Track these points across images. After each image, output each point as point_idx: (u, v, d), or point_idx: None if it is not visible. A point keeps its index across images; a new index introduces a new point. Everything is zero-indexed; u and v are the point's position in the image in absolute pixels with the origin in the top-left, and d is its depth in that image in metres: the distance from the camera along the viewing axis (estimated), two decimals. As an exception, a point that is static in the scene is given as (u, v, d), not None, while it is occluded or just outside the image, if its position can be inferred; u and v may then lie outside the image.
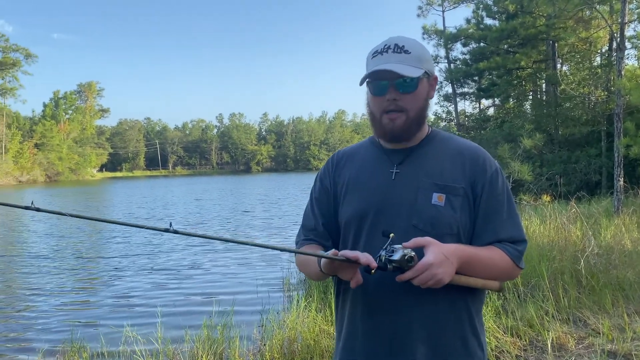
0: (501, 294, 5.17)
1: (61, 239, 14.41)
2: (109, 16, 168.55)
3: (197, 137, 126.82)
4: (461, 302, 1.47)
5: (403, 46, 1.45)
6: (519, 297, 5.17)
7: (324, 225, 1.62)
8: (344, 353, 1.54)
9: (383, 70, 1.42)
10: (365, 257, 1.31)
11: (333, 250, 1.37)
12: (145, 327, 5.38)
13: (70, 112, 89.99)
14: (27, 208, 1.26)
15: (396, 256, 1.31)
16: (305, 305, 4.95)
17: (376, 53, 1.48)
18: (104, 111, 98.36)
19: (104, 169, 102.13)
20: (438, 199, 1.45)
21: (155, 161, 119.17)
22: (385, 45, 1.47)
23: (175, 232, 1.26)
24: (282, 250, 1.48)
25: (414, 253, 1.32)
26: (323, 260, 1.41)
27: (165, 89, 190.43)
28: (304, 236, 1.65)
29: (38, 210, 1.28)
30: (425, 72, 1.47)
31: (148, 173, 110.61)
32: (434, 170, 1.49)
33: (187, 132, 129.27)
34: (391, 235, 1.35)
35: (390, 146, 1.56)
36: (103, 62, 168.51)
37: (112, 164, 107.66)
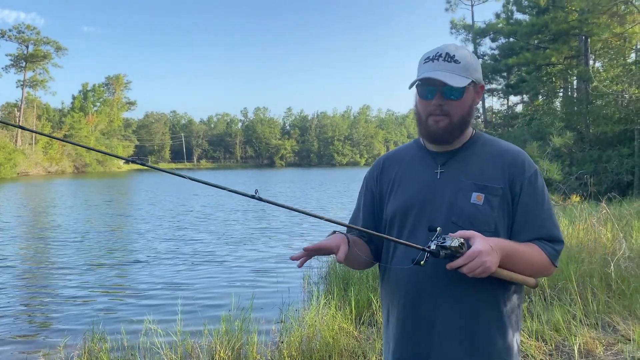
0: (528, 296, 5.03)
1: (89, 229, 14.68)
2: (138, 9, 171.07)
3: (221, 131, 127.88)
4: (501, 297, 1.56)
5: (454, 55, 1.55)
6: (545, 300, 5.03)
7: (365, 224, 1.74)
8: (394, 342, 1.66)
9: (431, 79, 1.53)
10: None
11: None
12: (165, 320, 5.39)
13: (98, 104, 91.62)
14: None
15: (448, 242, 1.39)
16: (325, 302, 4.90)
17: (428, 59, 1.57)
18: (131, 104, 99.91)
19: (129, 162, 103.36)
20: (477, 198, 1.55)
21: (181, 154, 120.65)
22: (438, 53, 1.57)
23: (260, 199, 1.45)
24: (347, 226, 1.57)
25: (463, 240, 1.40)
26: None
27: (192, 82, 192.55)
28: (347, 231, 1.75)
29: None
30: (473, 81, 1.57)
31: (173, 166, 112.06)
32: (474, 171, 1.59)
33: (212, 125, 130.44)
34: (438, 228, 1.44)
35: (435, 148, 1.66)
36: (131, 55, 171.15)
37: (138, 156, 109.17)
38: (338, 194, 29.69)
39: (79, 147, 76.01)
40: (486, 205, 1.54)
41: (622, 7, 16.78)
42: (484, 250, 1.39)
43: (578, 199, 9.82)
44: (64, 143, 74.71)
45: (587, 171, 15.79)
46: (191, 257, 10.43)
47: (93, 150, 1.74)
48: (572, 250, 6.03)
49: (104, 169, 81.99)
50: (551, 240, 1.57)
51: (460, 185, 1.58)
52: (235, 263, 9.79)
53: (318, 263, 7.94)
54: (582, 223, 7.20)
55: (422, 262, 1.39)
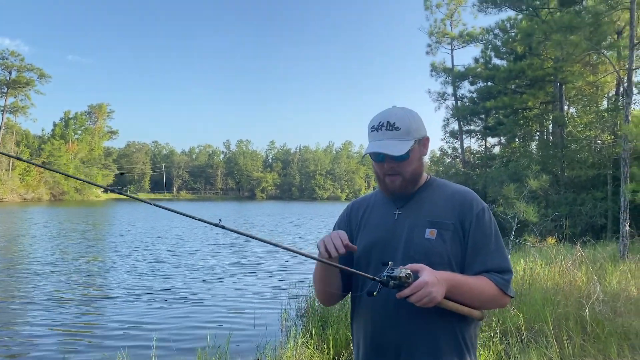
0: (505, 338, 5.06)
1: (58, 260, 14.34)
2: (124, 40, 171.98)
3: (203, 162, 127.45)
4: (462, 326, 1.70)
5: (394, 123, 1.73)
6: (521, 341, 5.06)
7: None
8: None
9: (377, 153, 1.73)
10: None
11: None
12: (139, 357, 5.26)
13: (79, 132, 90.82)
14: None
15: (396, 272, 1.52)
16: (303, 341, 4.86)
17: (373, 129, 1.76)
18: (112, 133, 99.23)
19: (108, 191, 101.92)
20: (430, 233, 1.72)
21: (160, 184, 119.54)
22: (380, 122, 1.75)
23: (224, 227, 1.54)
24: (313, 258, 1.73)
25: (410, 271, 1.53)
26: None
27: (175, 113, 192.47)
28: None
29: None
30: (415, 141, 1.76)
31: (152, 196, 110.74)
32: (428, 211, 1.77)
33: (194, 156, 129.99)
34: (390, 262, 1.57)
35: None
36: (115, 85, 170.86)
37: (118, 185, 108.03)
38: (319, 229, 29.66)
39: (56, 175, 74.94)
40: (439, 240, 1.70)
41: (595, 57, 17.51)
42: (430, 281, 1.53)
43: (553, 240, 10.01)
44: (42, 170, 73.64)
45: (562, 213, 16.14)
46: (165, 293, 10.11)
47: (70, 177, 1.79)
48: (548, 292, 6.11)
49: (82, 197, 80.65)
50: (500, 271, 1.70)
51: (415, 222, 1.75)
52: (212, 300, 9.55)
53: (296, 300, 7.89)
54: (557, 265, 7.32)
55: (375, 293, 1.52)
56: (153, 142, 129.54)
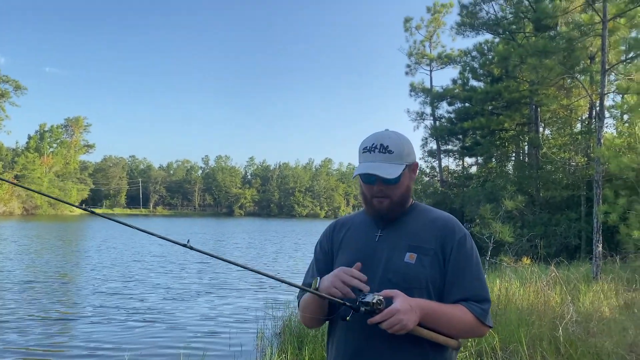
0: (481, 359, 5.07)
1: (28, 278, 13.95)
2: (103, 54, 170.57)
3: (181, 178, 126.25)
4: (430, 356, 1.66)
5: (387, 146, 1.73)
6: (497, 362, 5.07)
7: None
8: None
9: (369, 174, 1.72)
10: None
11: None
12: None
13: (55, 145, 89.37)
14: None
15: (368, 299, 1.52)
16: (278, 362, 4.79)
17: (365, 150, 1.76)
18: (89, 146, 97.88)
19: (84, 205, 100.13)
20: (410, 257, 1.70)
21: (137, 199, 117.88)
22: (373, 144, 1.74)
23: (192, 248, 1.56)
24: (290, 284, 1.78)
25: (382, 297, 1.53)
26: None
27: (153, 128, 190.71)
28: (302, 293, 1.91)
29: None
30: (406, 165, 1.75)
31: (128, 211, 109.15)
32: (409, 235, 1.76)
33: (172, 171, 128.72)
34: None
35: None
36: (93, 99, 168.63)
37: (93, 200, 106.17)
38: (296, 245, 29.50)
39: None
40: (418, 264, 1.69)
41: (569, 81, 17.99)
42: (402, 309, 1.53)
43: (529, 261, 10.12)
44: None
45: (537, 234, 16.37)
46: (139, 313, 9.86)
47: (35, 192, 1.75)
48: (523, 313, 6.16)
49: (56, 212, 78.98)
50: (479, 300, 1.69)
51: (396, 245, 1.74)
52: (186, 320, 9.35)
53: (273, 320, 7.79)
54: (532, 285, 7.40)
55: (347, 318, 1.54)
56: (130, 156, 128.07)
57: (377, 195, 1.75)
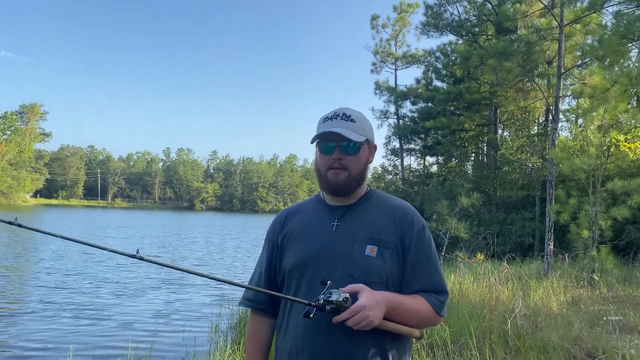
0: (432, 350, 5.14)
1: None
2: (63, 41, 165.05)
3: (141, 170, 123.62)
4: (388, 346, 1.63)
5: (350, 115, 1.69)
6: (447, 354, 5.15)
7: (266, 278, 1.81)
8: None
9: (331, 133, 1.64)
10: None
11: None
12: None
13: (8, 132, 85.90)
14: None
15: (334, 297, 1.47)
16: (231, 353, 4.73)
17: (326, 119, 1.70)
18: (45, 135, 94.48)
19: (38, 195, 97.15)
20: (371, 250, 1.64)
21: (95, 191, 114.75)
22: (335, 113, 1.71)
23: (142, 259, 1.42)
24: (239, 285, 1.71)
25: (348, 295, 1.48)
26: None
27: (114, 118, 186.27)
28: (246, 300, 1.84)
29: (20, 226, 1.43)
30: (367, 139, 1.71)
31: (85, 203, 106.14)
32: (369, 225, 1.68)
33: (132, 163, 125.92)
34: (328, 282, 1.52)
35: (333, 202, 1.75)
36: (51, 86, 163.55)
37: (49, 190, 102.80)
38: (256, 241, 29.33)
39: (-21, 177, 70.35)
40: (379, 258, 1.63)
41: (527, 83, 18.50)
42: (368, 304, 1.49)
43: (483, 257, 10.36)
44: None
45: (493, 232, 16.79)
46: (87, 308, 9.44)
47: None
48: (475, 307, 6.28)
49: (8, 201, 76.02)
50: (437, 292, 1.68)
51: (355, 237, 1.66)
52: (140, 316, 9.04)
53: (229, 313, 7.69)
54: (485, 281, 7.57)
55: (311, 315, 1.46)
56: (89, 146, 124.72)
57: (334, 166, 1.66)
